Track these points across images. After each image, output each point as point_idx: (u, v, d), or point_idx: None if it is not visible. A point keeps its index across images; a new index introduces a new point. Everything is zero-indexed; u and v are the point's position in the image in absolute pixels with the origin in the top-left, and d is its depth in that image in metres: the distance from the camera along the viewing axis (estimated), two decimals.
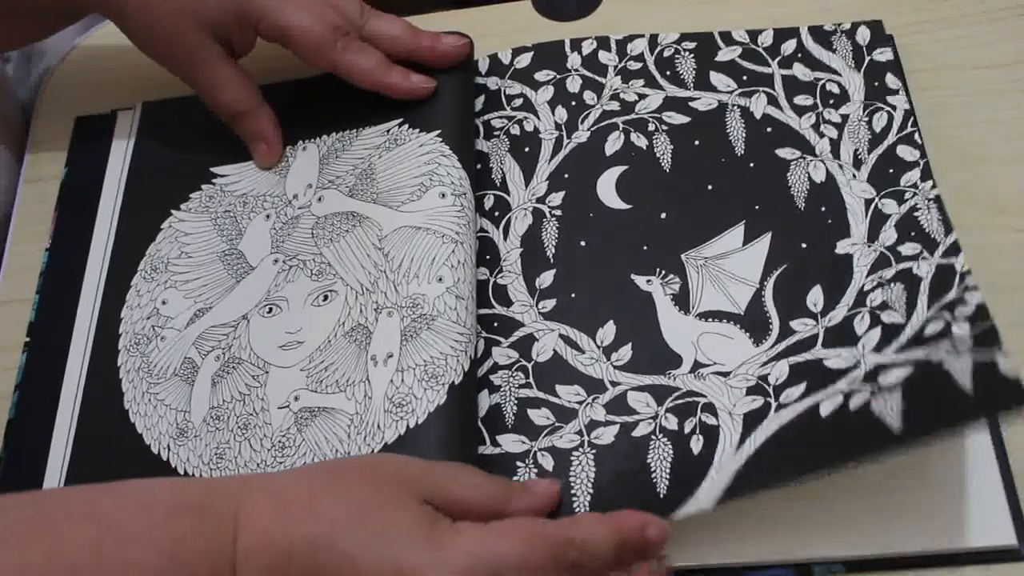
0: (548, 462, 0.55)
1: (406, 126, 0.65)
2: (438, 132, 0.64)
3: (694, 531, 0.52)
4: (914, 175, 0.59)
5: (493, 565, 0.45)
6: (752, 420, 0.53)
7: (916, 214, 0.57)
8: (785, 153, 0.61)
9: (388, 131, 0.65)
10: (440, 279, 0.59)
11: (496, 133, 0.66)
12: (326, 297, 0.61)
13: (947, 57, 0.66)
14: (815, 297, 0.57)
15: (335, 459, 0.53)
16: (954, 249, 0.54)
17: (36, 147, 0.73)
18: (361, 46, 0.65)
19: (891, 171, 0.59)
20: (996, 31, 0.66)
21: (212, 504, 0.46)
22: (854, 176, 0.60)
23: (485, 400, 0.57)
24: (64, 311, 0.65)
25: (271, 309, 0.61)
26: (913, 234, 0.57)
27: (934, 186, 0.58)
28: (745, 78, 0.64)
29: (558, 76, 0.67)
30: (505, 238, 0.62)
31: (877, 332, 0.54)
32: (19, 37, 0.72)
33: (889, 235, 0.57)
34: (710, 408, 0.54)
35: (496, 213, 0.63)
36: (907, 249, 0.56)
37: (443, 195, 0.61)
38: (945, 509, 0.52)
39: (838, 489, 0.53)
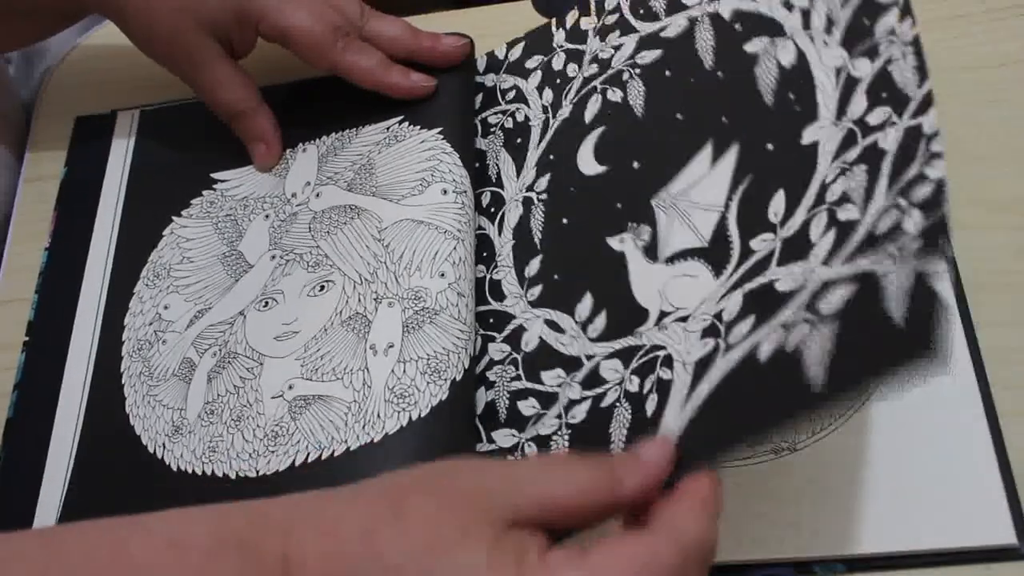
0: (533, 452, 0.54)
1: (407, 123, 0.65)
2: (439, 130, 0.64)
3: None
4: (891, 18, 0.49)
5: None
6: (701, 368, 0.49)
7: (890, 68, 0.48)
8: (754, 46, 0.55)
9: (388, 128, 0.65)
10: (442, 275, 0.59)
11: (492, 129, 0.66)
12: (322, 287, 0.61)
13: (947, 57, 0.66)
14: (776, 206, 0.51)
15: (399, 474, 0.43)
16: (925, 104, 0.47)
17: (36, 147, 0.74)
18: (361, 46, 0.65)
19: (866, 21, 0.50)
20: (996, 31, 0.66)
21: (256, 541, 0.41)
22: (825, 43, 0.52)
23: (482, 397, 0.57)
24: (64, 311, 0.65)
25: (267, 303, 0.61)
26: (884, 95, 0.48)
27: (914, 24, 0.48)
28: None
29: (545, 58, 0.66)
30: (500, 233, 0.62)
31: (831, 236, 0.48)
32: (20, 37, 0.72)
33: (858, 104, 0.49)
34: (668, 361, 0.51)
35: (492, 209, 0.63)
36: (875, 117, 0.48)
37: (445, 191, 0.61)
38: (945, 508, 0.52)
39: (838, 487, 0.53)
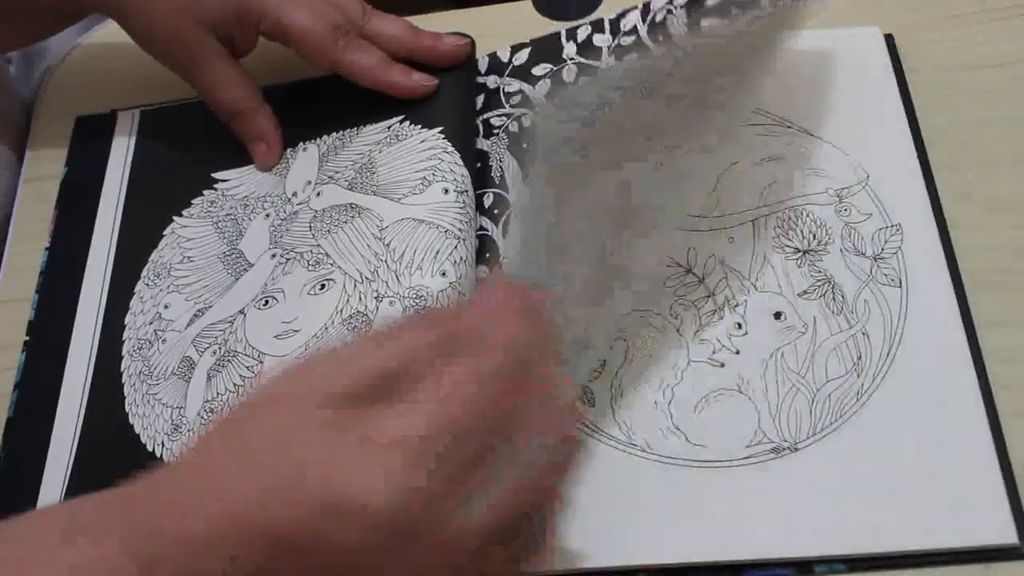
0: None
1: (407, 122, 0.65)
2: (440, 129, 0.64)
3: (694, 528, 0.52)
4: None
5: (434, 437, 0.39)
6: None
7: None
8: None
9: (389, 127, 0.65)
10: (443, 274, 0.59)
11: (496, 131, 0.66)
12: (323, 286, 0.61)
13: (947, 57, 0.66)
14: None
15: (225, 417, 0.43)
16: None
17: (37, 146, 0.73)
18: (362, 44, 0.65)
19: None
20: (996, 31, 0.66)
21: (102, 524, 0.41)
22: None
23: None
24: (64, 311, 0.65)
25: (267, 301, 0.61)
26: None
27: None
28: (735, 10, 0.61)
29: (554, 68, 0.67)
30: (504, 235, 0.62)
31: None
32: (20, 37, 0.72)
33: None
34: None
35: (495, 211, 0.63)
36: None
37: (446, 191, 0.61)
38: (946, 508, 0.52)
39: (838, 487, 0.53)
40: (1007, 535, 0.51)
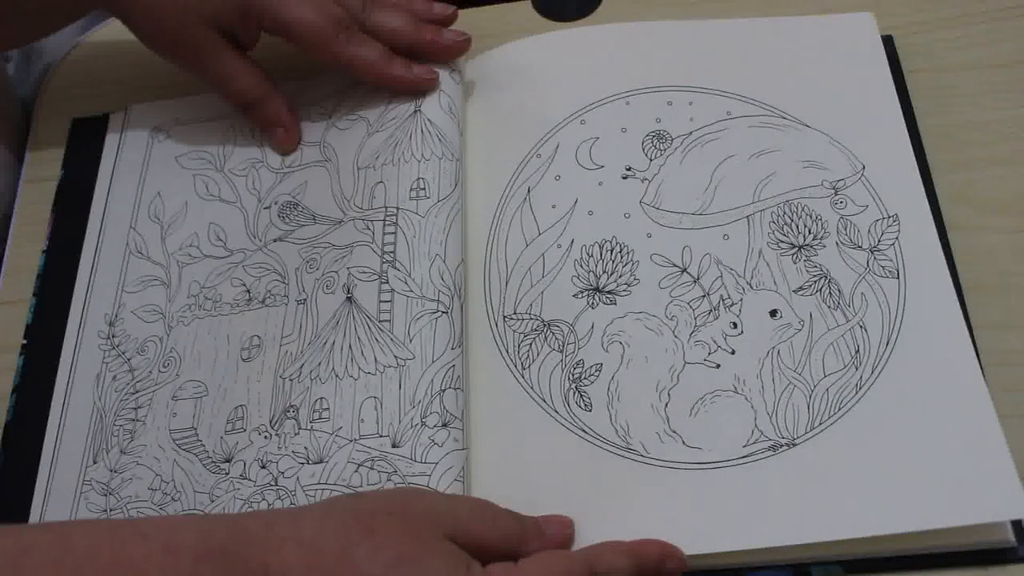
0: None
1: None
2: None
3: (692, 530, 0.52)
4: None
5: None
6: None
7: None
8: None
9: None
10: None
11: None
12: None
13: (947, 57, 0.66)
14: None
15: (361, 497, 0.50)
16: None
17: (36, 147, 0.73)
18: (363, 39, 0.65)
19: None
20: (996, 31, 0.66)
21: (239, 552, 0.45)
22: None
23: None
24: (58, 315, 0.65)
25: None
26: None
27: None
28: None
29: None
30: None
31: None
32: (22, 35, 0.72)
33: None
34: None
35: None
36: None
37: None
38: (943, 508, 0.51)
39: (835, 486, 0.52)
40: (1004, 537, 0.51)
